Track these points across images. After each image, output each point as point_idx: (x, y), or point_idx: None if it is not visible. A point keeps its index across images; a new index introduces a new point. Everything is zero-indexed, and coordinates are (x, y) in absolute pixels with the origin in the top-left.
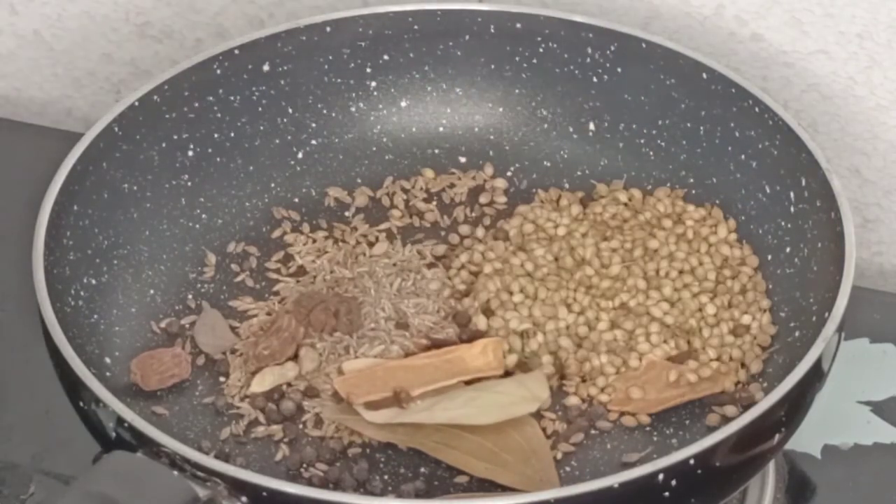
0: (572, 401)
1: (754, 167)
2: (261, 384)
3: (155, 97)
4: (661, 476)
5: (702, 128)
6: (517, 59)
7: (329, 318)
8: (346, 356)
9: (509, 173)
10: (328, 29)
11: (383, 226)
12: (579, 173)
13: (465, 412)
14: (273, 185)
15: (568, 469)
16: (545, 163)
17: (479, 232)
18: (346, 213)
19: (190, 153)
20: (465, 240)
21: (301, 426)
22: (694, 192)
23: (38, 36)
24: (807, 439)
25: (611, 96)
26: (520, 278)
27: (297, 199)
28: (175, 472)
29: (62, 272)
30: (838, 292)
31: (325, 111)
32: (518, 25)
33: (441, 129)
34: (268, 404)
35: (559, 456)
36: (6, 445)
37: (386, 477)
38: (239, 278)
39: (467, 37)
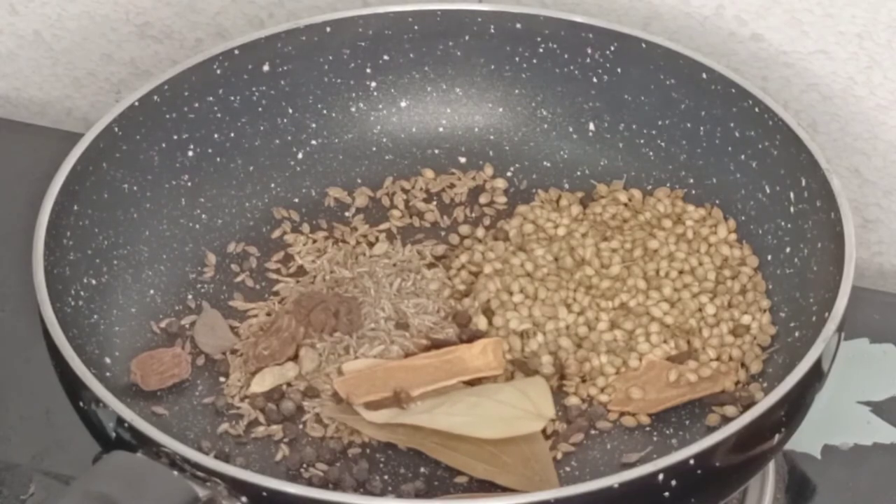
0: (572, 401)
1: (754, 167)
2: (261, 384)
3: (155, 97)
4: (661, 476)
5: (702, 128)
6: (517, 59)
7: (329, 318)
8: (346, 356)
9: (509, 173)
10: (328, 29)
11: (383, 226)
12: (579, 173)
13: (467, 420)
14: (273, 185)
15: (568, 469)
16: (545, 163)
17: (479, 232)
18: (346, 214)
19: (190, 153)
20: (465, 240)
21: (301, 426)
22: (694, 192)
23: (38, 36)
24: (807, 439)
25: (611, 96)
26: (520, 278)
27: (297, 199)
28: (175, 472)
29: (62, 272)
30: (838, 292)
31: (325, 111)
32: (518, 25)
33: (441, 129)
34: (268, 404)
35: (559, 456)
36: (6, 445)
37: (386, 477)
38: (239, 278)
39: (467, 37)
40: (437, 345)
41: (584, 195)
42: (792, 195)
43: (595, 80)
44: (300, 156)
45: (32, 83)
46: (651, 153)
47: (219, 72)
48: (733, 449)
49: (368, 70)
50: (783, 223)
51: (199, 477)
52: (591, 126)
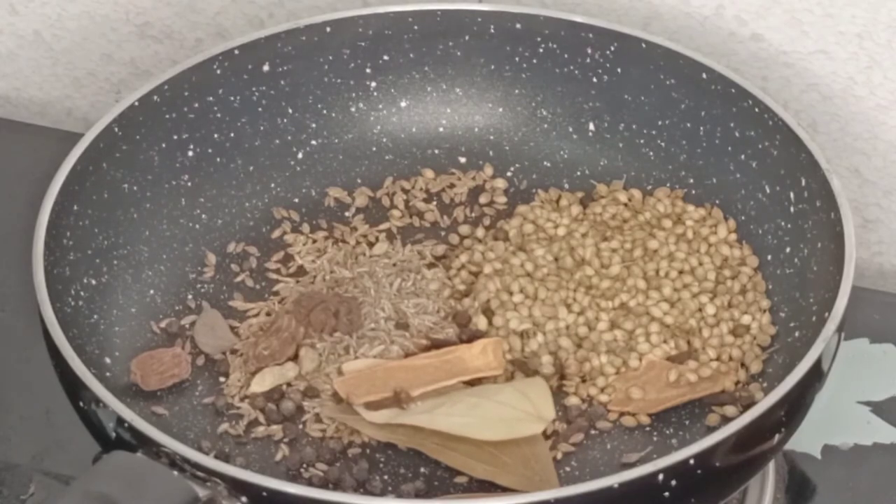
0: (572, 401)
1: (754, 167)
2: (261, 384)
3: (155, 97)
4: (661, 476)
5: (702, 128)
6: (517, 59)
7: (329, 318)
8: (346, 356)
9: (509, 173)
10: (328, 29)
11: (383, 226)
12: (579, 173)
13: (467, 421)
14: (273, 185)
15: (568, 469)
16: (545, 163)
17: (479, 232)
18: (346, 214)
19: (190, 153)
20: (465, 240)
21: (301, 426)
22: (694, 192)
23: (38, 36)
24: (807, 439)
25: (611, 96)
26: (520, 278)
27: (297, 199)
28: (175, 472)
29: (62, 272)
30: (838, 292)
31: (325, 111)
32: (518, 25)
33: (441, 129)
34: (268, 404)
35: (559, 456)
36: (6, 445)
37: (386, 477)
38: (239, 278)
39: (467, 37)
40: (437, 345)
41: (584, 195)
42: (792, 195)
43: (595, 80)
44: (300, 156)
45: (32, 83)
46: (651, 153)
47: (219, 72)
48: (733, 449)
49: (368, 70)
50: (783, 223)
51: (199, 477)
52: (591, 126)
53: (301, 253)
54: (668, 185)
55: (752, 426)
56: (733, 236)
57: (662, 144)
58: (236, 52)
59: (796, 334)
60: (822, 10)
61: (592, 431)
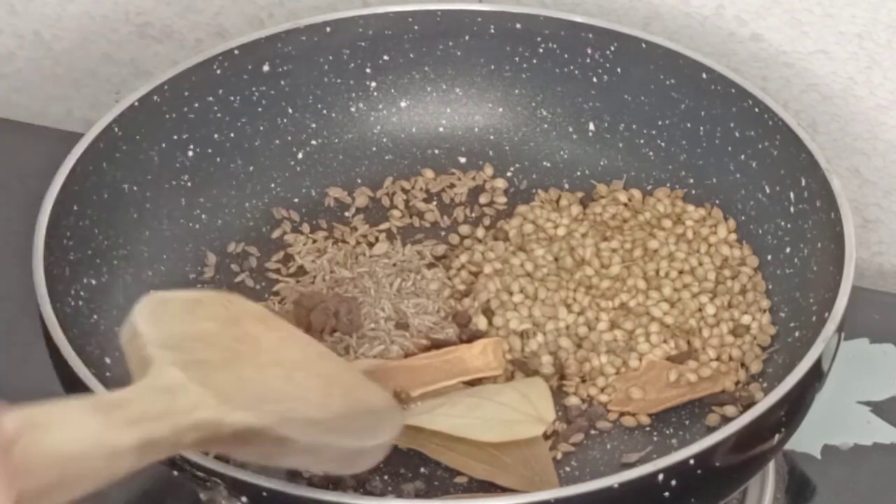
0: (572, 401)
1: (754, 167)
2: None
3: (155, 97)
4: (660, 476)
5: (702, 128)
6: (517, 59)
7: (329, 318)
8: (346, 356)
9: (509, 173)
10: (328, 29)
11: (383, 226)
12: (579, 173)
13: (467, 423)
14: (273, 185)
15: (568, 469)
16: (545, 163)
17: (479, 232)
18: (346, 214)
19: (190, 153)
20: (465, 240)
21: None
22: (694, 192)
23: (38, 36)
24: (807, 439)
25: (611, 96)
26: (520, 278)
27: (297, 199)
28: (175, 472)
29: (62, 272)
30: (838, 292)
31: (325, 111)
32: (518, 25)
33: (441, 129)
34: None
35: (559, 456)
36: None
37: (386, 477)
38: (239, 278)
39: (467, 37)
40: (437, 345)
41: (584, 195)
42: (792, 195)
43: (595, 80)
44: (300, 156)
45: (32, 83)
46: (651, 153)
47: (219, 72)
48: (733, 449)
49: (368, 70)
50: (783, 223)
51: (199, 477)
52: (591, 126)
53: (301, 253)
54: (668, 185)
55: (752, 426)
56: (733, 236)
57: (662, 144)
58: (236, 52)
59: (796, 334)
60: (822, 10)
61: (592, 431)
